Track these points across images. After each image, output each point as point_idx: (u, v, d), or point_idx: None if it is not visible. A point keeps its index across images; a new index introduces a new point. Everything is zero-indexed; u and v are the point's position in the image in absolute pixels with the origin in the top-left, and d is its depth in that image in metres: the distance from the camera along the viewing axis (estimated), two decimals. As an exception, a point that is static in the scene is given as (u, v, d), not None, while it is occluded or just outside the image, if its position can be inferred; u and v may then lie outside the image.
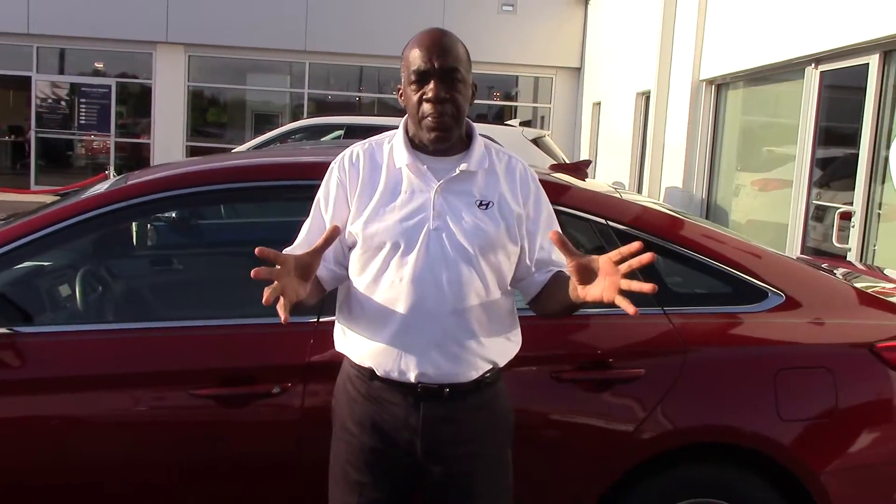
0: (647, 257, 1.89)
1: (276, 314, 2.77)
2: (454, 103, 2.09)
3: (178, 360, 2.72)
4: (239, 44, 16.57)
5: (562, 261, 2.17)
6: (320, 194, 2.21)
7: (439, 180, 2.11)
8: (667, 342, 2.81)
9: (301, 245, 2.18)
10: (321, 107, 17.47)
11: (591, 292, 1.97)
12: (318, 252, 1.99)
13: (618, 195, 3.33)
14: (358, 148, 2.21)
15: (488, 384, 2.18)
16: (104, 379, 2.69)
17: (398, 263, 2.08)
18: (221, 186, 3.02)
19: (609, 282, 1.94)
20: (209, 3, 16.31)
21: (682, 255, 2.98)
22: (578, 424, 2.77)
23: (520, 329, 2.29)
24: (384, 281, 2.10)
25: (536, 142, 8.77)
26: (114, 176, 4.74)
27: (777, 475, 2.78)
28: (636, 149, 12.58)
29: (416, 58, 2.09)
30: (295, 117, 16.02)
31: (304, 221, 2.25)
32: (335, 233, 1.98)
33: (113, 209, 2.87)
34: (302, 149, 4.59)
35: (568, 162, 8.15)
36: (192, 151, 16.70)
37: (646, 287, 1.88)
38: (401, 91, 2.17)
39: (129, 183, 3.02)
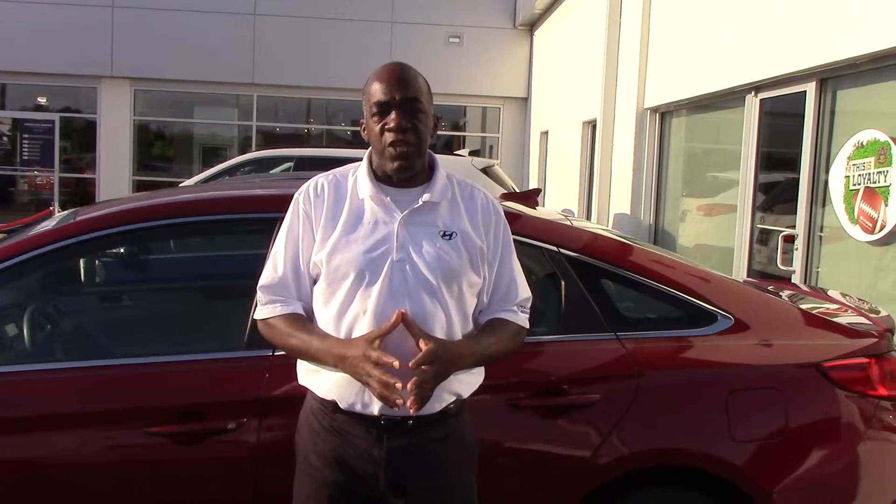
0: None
1: (229, 349, 2.77)
2: (416, 133, 2.12)
3: (130, 398, 2.67)
4: (185, 77, 16.46)
5: (514, 295, 2.24)
6: (287, 226, 2.21)
7: (403, 211, 2.13)
8: (620, 367, 2.84)
9: (278, 276, 2.19)
10: (269, 139, 17.40)
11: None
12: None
13: (569, 222, 3.37)
14: (322, 179, 2.22)
15: (452, 415, 2.18)
16: (54, 419, 2.63)
17: (362, 295, 2.08)
18: (173, 221, 2.99)
19: None
20: (155, 36, 16.19)
21: (632, 281, 3.02)
22: (536, 451, 2.78)
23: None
24: (348, 313, 2.10)
25: (486, 171, 8.83)
26: (58, 212, 4.67)
27: (732, 496, 2.81)
28: (584, 176, 12.74)
29: (377, 90, 2.12)
30: (243, 150, 15.94)
31: (261, 254, 2.24)
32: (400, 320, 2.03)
33: (63, 245, 2.83)
34: (252, 182, 4.57)
35: (518, 191, 8.22)
36: (139, 186, 16.48)
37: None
38: (363, 125, 2.19)
39: (79, 219, 2.98)
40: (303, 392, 2.29)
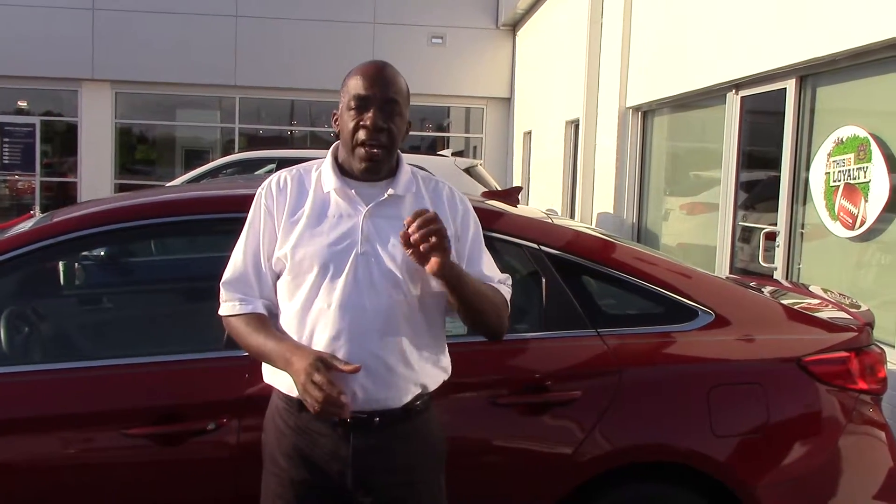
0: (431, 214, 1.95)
1: (208, 349, 2.75)
2: (390, 134, 2.11)
3: (109, 400, 2.65)
4: (167, 79, 16.38)
5: (492, 276, 2.21)
6: (249, 221, 2.20)
7: (367, 205, 2.12)
8: (602, 363, 2.84)
9: (239, 272, 2.18)
10: (252, 141, 17.34)
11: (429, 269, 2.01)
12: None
13: (550, 220, 3.38)
14: (285, 174, 2.21)
15: (418, 412, 2.18)
16: (32, 422, 2.61)
17: (327, 289, 2.08)
18: (152, 221, 2.97)
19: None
20: (136, 39, 16.11)
21: (614, 277, 3.03)
22: (518, 448, 2.78)
23: (448, 355, 2.29)
24: (313, 307, 2.09)
25: (469, 171, 8.84)
26: (39, 214, 4.62)
27: (714, 491, 2.82)
28: (567, 176, 12.76)
29: (357, 84, 2.11)
30: (226, 152, 15.86)
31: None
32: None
33: (40, 247, 2.81)
34: (235, 182, 4.55)
35: (499, 189, 8.22)
36: (121, 189, 16.38)
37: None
38: (336, 117, 2.18)
39: (56, 220, 2.95)
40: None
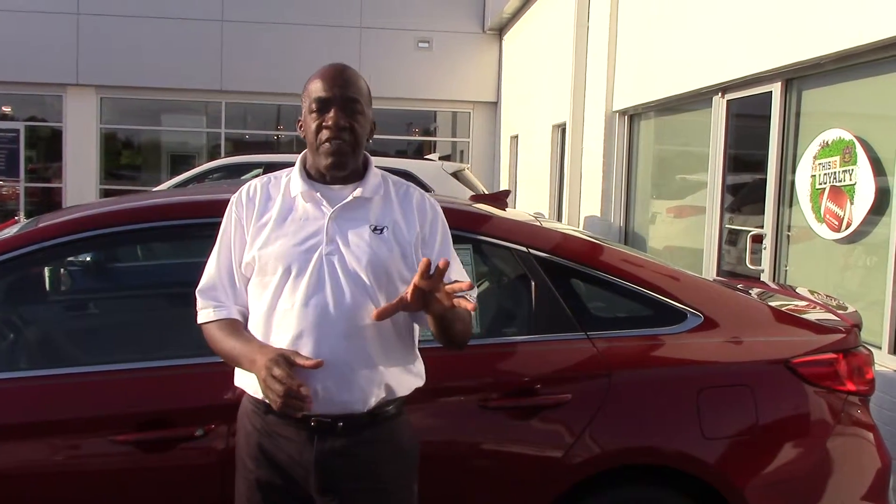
0: (442, 262, 1.94)
1: (196, 355, 2.74)
2: (353, 132, 2.14)
3: (96, 406, 2.63)
4: (152, 84, 16.32)
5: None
6: (221, 231, 2.24)
7: (333, 207, 2.15)
8: (591, 366, 2.84)
9: (213, 280, 2.21)
10: (239, 146, 17.30)
11: (432, 311, 2.02)
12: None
13: (539, 224, 3.37)
14: (256, 182, 2.25)
15: (387, 418, 2.17)
16: (19, 428, 2.59)
17: (291, 289, 2.09)
18: (138, 226, 2.95)
19: (436, 296, 1.98)
20: (121, 43, 16.04)
21: (603, 280, 3.03)
22: (508, 452, 2.77)
23: (421, 362, 2.28)
24: (278, 307, 2.11)
25: (456, 175, 8.83)
26: (24, 220, 4.58)
27: (704, 493, 2.82)
28: (554, 179, 12.77)
29: (317, 87, 2.15)
30: (212, 157, 15.80)
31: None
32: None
33: (25, 252, 2.79)
34: (221, 186, 4.53)
35: (487, 193, 8.22)
36: (106, 195, 16.31)
37: (463, 285, 1.97)
38: (301, 122, 2.22)
39: (41, 225, 2.93)
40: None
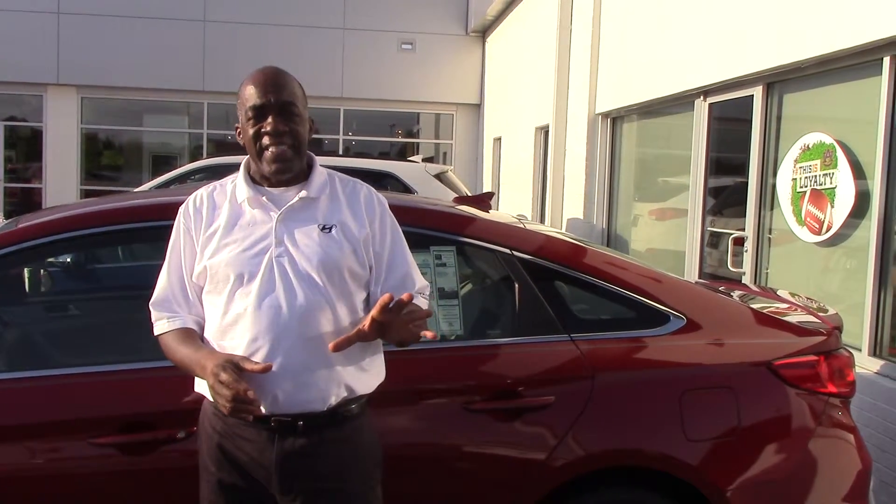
0: (406, 296, 1.96)
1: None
2: (294, 135, 2.14)
3: (75, 409, 2.61)
4: (134, 84, 16.23)
5: (415, 281, 2.24)
6: (171, 242, 2.24)
7: (280, 209, 2.15)
8: (575, 368, 2.84)
9: (165, 292, 2.21)
10: (221, 147, 17.20)
11: (390, 340, 2.06)
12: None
13: (522, 226, 3.37)
14: (202, 191, 2.25)
15: (347, 418, 2.17)
16: (-3, 431, 2.56)
17: (242, 294, 2.09)
18: (119, 227, 2.93)
19: (394, 326, 2.01)
20: (102, 43, 15.94)
21: (586, 282, 3.03)
22: (491, 454, 2.77)
23: (382, 360, 2.28)
24: (230, 313, 2.11)
25: (440, 177, 8.83)
26: (3, 220, 4.55)
27: (687, 495, 2.83)
28: (537, 182, 12.80)
29: (251, 94, 2.14)
30: (194, 158, 15.73)
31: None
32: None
33: (4, 253, 2.76)
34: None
35: (470, 195, 8.21)
36: (87, 195, 16.19)
37: (422, 313, 2.03)
38: (238, 129, 2.21)
39: (21, 226, 2.90)
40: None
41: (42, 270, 3.50)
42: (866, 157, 4.99)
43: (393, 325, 1.99)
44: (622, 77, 9.02)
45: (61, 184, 16.34)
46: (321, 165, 2.29)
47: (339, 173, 2.31)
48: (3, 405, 2.62)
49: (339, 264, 2.13)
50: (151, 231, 2.98)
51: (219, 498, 2.15)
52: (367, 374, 2.21)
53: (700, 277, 7.02)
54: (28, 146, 17.03)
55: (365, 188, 2.29)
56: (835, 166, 5.21)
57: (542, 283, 2.97)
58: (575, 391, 2.81)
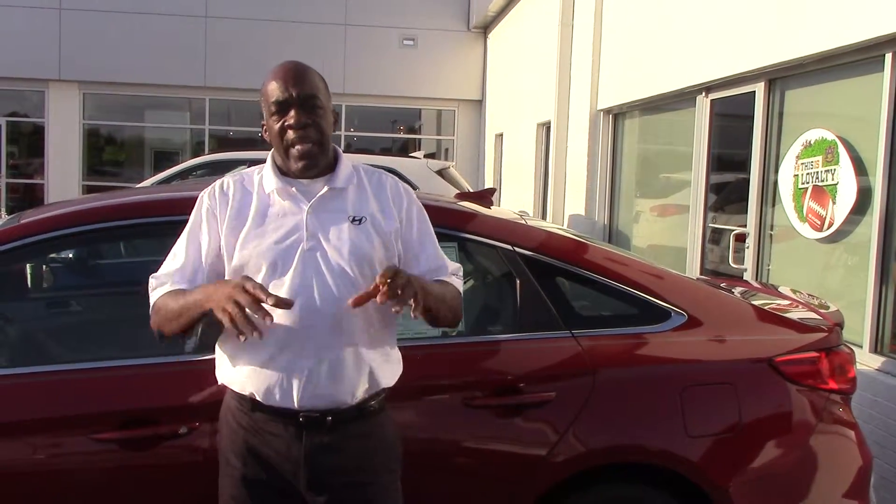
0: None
1: (180, 353, 2.73)
2: (317, 128, 2.13)
3: (77, 404, 2.61)
4: (136, 80, 16.22)
5: (444, 265, 2.23)
6: (191, 223, 2.21)
7: (309, 201, 2.14)
8: (576, 364, 2.85)
9: (171, 266, 2.18)
10: (222, 143, 17.21)
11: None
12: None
13: (524, 222, 3.38)
14: (228, 178, 2.24)
15: (372, 412, 2.18)
16: (1, 427, 2.57)
17: (275, 286, 2.08)
18: (121, 223, 2.94)
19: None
20: (104, 39, 15.94)
21: (587, 279, 3.04)
22: (492, 450, 2.78)
23: (397, 349, 2.29)
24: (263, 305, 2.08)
25: (441, 173, 8.82)
26: (5, 216, 4.55)
27: (687, 490, 2.83)
28: (539, 178, 12.79)
29: (274, 89, 2.14)
30: (195, 154, 15.73)
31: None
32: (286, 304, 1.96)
33: (7, 249, 2.76)
34: (205, 183, 4.51)
35: (472, 191, 8.21)
36: (89, 191, 16.19)
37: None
38: (264, 126, 2.21)
39: (23, 222, 2.91)
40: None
41: (44, 266, 3.51)
42: (868, 153, 4.99)
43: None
44: (624, 73, 9.02)
45: (63, 180, 16.35)
46: None
47: (364, 165, 2.31)
48: (5, 401, 2.62)
49: (370, 256, 2.13)
50: (154, 227, 2.99)
51: (242, 493, 2.14)
52: (390, 365, 2.23)
53: (701, 274, 7.02)
54: (30, 142, 17.03)
55: (390, 178, 2.29)
56: (836, 163, 5.21)
57: (543, 279, 2.98)
58: (576, 387, 2.82)
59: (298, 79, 2.14)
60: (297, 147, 2.12)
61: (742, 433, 2.87)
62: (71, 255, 3.57)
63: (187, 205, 3.01)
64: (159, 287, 2.18)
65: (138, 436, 2.56)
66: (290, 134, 2.12)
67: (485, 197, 3.72)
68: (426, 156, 12.58)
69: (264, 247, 2.10)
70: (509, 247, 2.99)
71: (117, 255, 3.85)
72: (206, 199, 2.20)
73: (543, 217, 12.03)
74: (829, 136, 5.31)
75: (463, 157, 17.51)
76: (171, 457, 2.58)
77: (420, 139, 18.57)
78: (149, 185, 9.06)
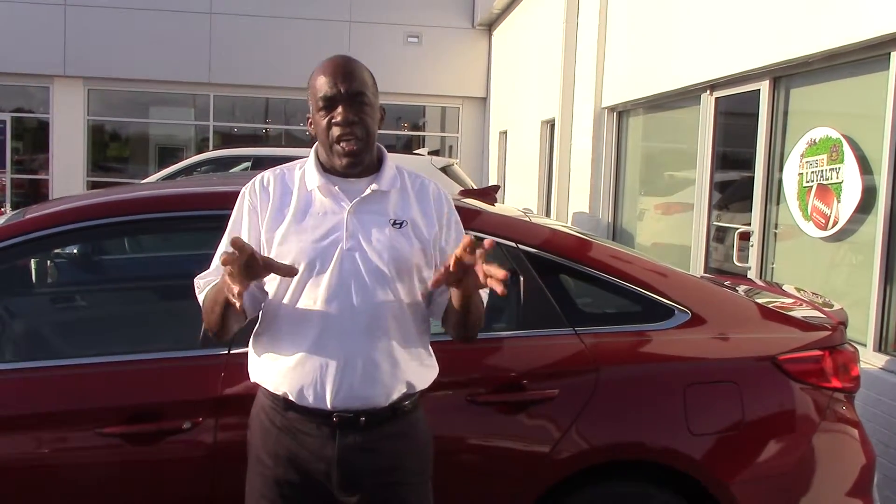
0: (488, 242, 1.88)
1: (184, 348, 2.74)
2: (364, 126, 2.10)
3: (83, 399, 2.62)
4: (140, 76, 16.23)
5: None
6: (232, 220, 2.19)
7: (351, 201, 2.11)
8: (579, 362, 2.85)
9: (216, 272, 2.14)
10: (227, 139, 17.22)
11: (464, 288, 1.98)
12: (265, 261, 1.93)
13: (528, 219, 3.38)
14: (269, 174, 2.20)
15: (406, 412, 2.16)
16: (4, 421, 2.57)
17: (313, 285, 2.06)
18: (125, 218, 2.94)
19: (472, 276, 1.94)
20: (109, 35, 15.95)
21: (591, 276, 3.04)
22: (495, 447, 2.78)
23: (433, 353, 2.28)
24: (300, 304, 2.08)
25: (445, 170, 8.83)
26: (10, 211, 4.56)
27: (690, 489, 2.83)
28: (543, 175, 12.78)
29: (322, 84, 2.10)
30: (200, 150, 15.74)
31: (211, 253, 2.21)
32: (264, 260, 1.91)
33: (11, 244, 2.77)
34: (210, 179, 4.52)
35: (476, 188, 8.21)
36: (93, 187, 16.20)
37: (500, 273, 1.86)
38: (310, 120, 2.17)
39: (28, 217, 2.91)
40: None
41: (49, 261, 3.52)
42: (873, 152, 4.98)
43: (472, 271, 1.93)
44: (628, 71, 9.00)
45: (68, 175, 16.37)
46: None
47: (408, 168, 2.28)
48: (10, 395, 2.63)
49: (409, 261, 2.11)
50: (158, 222, 2.99)
51: (273, 493, 2.12)
52: (425, 369, 2.21)
53: (705, 272, 7.02)
54: (35, 138, 17.06)
55: (433, 185, 2.26)
56: (841, 161, 5.20)
57: (547, 276, 2.98)
58: (579, 384, 2.82)
59: (347, 75, 2.10)
60: (343, 144, 2.09)
61: (745, 431, 2.87)
62: (75, 251, 3.58)
63: (192, 201, 3.04)
64: (204, 286, 2.17)
65: (143, 430, 2.56)
66: (336, 130, 2.08)
67: (489, 194, 3.72)
68: (430, 153, 12.59)
69: (303, 244, 2.07)
70: (513, 244, 2.99)
71: (121, 251, 3.86)
72: (246, 196, 2.17)
73: (547, 215, 12.03)
74: (834, 134, 5.30)
75: (467, 154, 17.52)
76: (174, 451, 2.59)
77: (424, 136, 18.57)
78: (153, 181, 9.07)
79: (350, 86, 2.09)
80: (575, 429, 2.76)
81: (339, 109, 2.08)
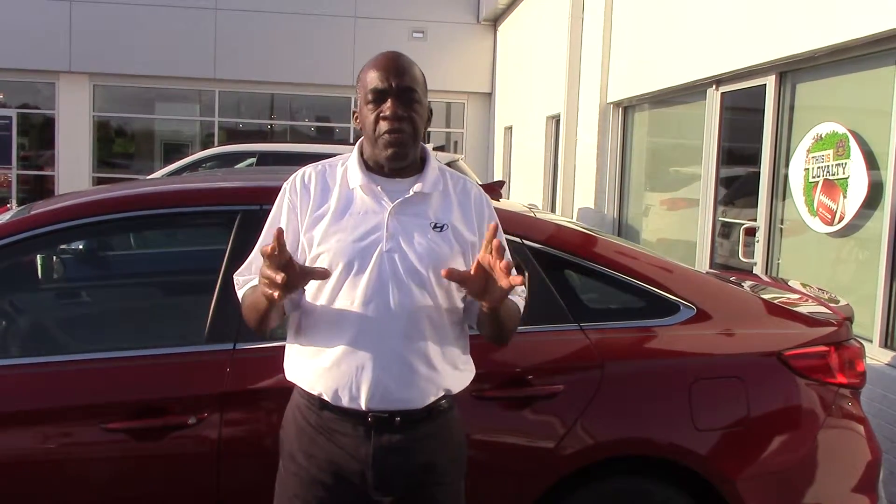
0: (493, 225, 1.90)
1: (189, 343, 2.74)
2: (411, 122, 2.08)
3: (87, 394, 2.63)
4: (146, 72, 16.25)
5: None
6: (272, 216, 2.17)
7: (393, 201, 2.09)
8: (584, 357, 2.85)
9: (255, 261, 2.13)
10: (232, 135, 17.23)
11: (488, 298, 1.97)
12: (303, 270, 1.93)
13: (533, 214, 3.37)
14: (310, 169, 2.17)
15: (441, 412, 2.14)
16: (9, 416, 2.58)
17: (350, 285, 2.04)
18: (131, 214, 2.94)
19: (493, 281, 1.93)
20: (114, 31, 15.96)
21: (596, 272, 3.03)
22: (501, 442, 2.78)
23: (471, 357, 2.25)
24: (336, 303, 2.06)
25: (451, 166, 8.83)
26: (16, 207, 4.56)
27: (696, 484, 2.83)
28: (548, 171, 12.77)
29: (373, 78, 2.09)
30: (205, 146, 15.76)
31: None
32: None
33: (17, 240, 2.78)
34: (215, 175, 4.52)
35: (481, 184, 8.20)
36: (99, 183, 16.24)
37: (516, 280, 1.87)
38: (356, 114, 2.16)
39: (34, 213, 2.92)
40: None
41: (54, 257, 3.52)
42: (879, 147, 4.97)
43: (491, 279, 1.93)
44: (634, 66, 8.99)
45: (74, 171, 16.41)
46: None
47: (450, 169, 2.24)
48: (16, 390, 2.64)
49: (448, 264, 2.06)
50: (164, 218, 2.99)
51: (307, 492, 2.10)
52: (461, 373, 2.19)
53: (711, 267, 7.01)
54: (40, 134, 17.09)
55: (475, 188, 2.24)
56: (847, 156, 5.19)
57: (552, 272, 2.97)
58: (584, 380, 2.81)
59: (399, 70, 2.09)
60: (388, 135, 2.06)
61: (750, 427, 2.86)
62: (81, 247, 3.58)
63: (197, 197, 3.04)
64: (244, 284, 2.16)
65: (148, 426, 2.57)
66: (384, 125, 2.06)
67: (494, 189, 3.72)
68: (435, 148, 12.59)
69: (343, 244, 2.05)
70: (518, 239, 2.98)
71: (127, 247, 3.87)
72: (287, 194, 2.15)
73: (552, 210, 12.02)
74: (841, 129, 5.29)
75: (472, 149, 17.51)
76: (179, 447, 2.59)
77: (429, 132, 18.53)
78: (159, 177, 9.08)
79: (401, 81, 2.08)
80: (580, 424, 2.76)
81: (389, 103, 2.06)
